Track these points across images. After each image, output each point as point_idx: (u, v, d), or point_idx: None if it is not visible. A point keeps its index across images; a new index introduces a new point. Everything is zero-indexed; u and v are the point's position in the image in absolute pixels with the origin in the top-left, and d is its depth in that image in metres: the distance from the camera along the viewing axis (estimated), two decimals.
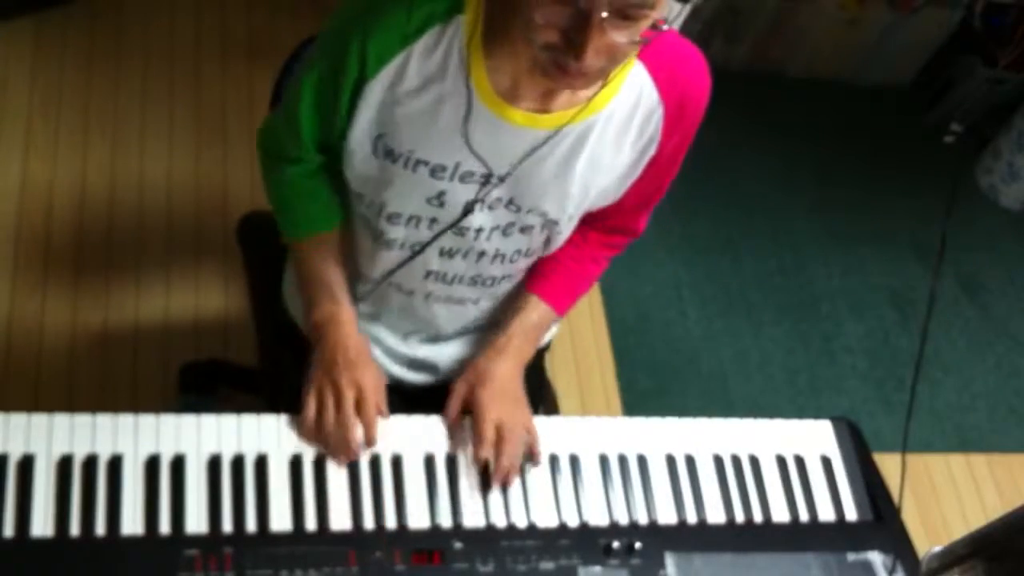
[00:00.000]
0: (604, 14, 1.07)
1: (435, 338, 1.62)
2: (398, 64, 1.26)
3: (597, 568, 1.36)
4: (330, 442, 1.36)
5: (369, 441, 1.38)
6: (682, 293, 2.84)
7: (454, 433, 1.44)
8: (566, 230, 1.46)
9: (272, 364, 1.78)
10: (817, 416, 1.61)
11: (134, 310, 2.41)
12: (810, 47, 3.32)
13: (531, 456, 1.43)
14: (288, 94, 1.41)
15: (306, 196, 1.47)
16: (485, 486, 1.40)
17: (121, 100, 2.71)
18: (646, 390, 2.63)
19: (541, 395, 1.87)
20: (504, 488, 1.40)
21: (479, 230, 1.40)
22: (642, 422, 1.53)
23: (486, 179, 1.34)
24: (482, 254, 1.45)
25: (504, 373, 1.47)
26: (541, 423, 1.48)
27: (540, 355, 1.78)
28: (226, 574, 1.24)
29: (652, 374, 2.67)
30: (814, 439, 1.59)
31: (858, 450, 1.59)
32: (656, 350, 2.71)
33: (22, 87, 2.66)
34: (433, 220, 1.39)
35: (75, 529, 1.23)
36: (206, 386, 2.27)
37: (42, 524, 1.23)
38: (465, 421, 1.45)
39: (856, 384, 2.84)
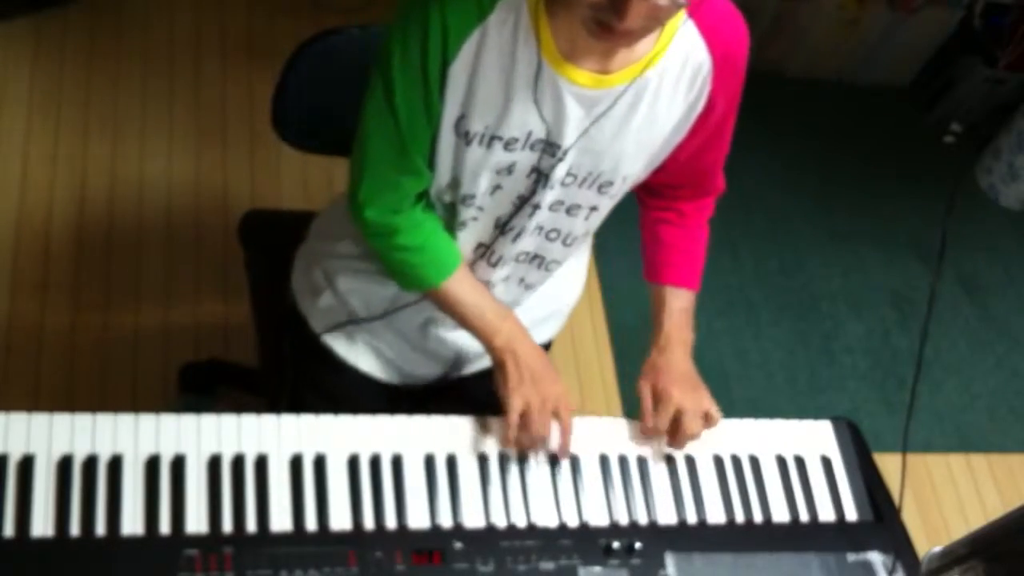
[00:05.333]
0: None
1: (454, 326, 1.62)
2: (476, 39, 1.27)
3: (597, 568, 1.36)
4: (534, 444, 1.44)
5: (566, 442, 1.45)
6: None
7: (455, 433, 1.44)
8: (609, 204, 1.49)
9: (274, 362, 1.78)
10: (817, 416, 1.61)
11: (134, 310, 2.41)
12: (810, 47, 3.32)
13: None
14: (374, 132, 1.36)
15: (435, 233, 1.46)
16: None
17: (121, 100, 2.71)
18: None
19: None
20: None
21: (537, 206, 1.43)
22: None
23: (552, 148, 1.36)
24: (529, 230, 1.48)
25: (676, 362, 1.54)
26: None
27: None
28: (226, 574, 1.24)
29: None
30: (814, 439, 1.59)
31: (858, 450, 1.59)
32: None
33: (22, 87, 2.66)
34: (497, 187, 1.41)
35: (75, 529, 1.23)
36: (206, 386, 2.27)
37: (42, 524, 1.23)
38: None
39: (856, 384, 2.83)
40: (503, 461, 1.42)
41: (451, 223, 1.47)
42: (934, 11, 3.25)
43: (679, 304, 1.59)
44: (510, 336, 1.47)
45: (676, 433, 1.49)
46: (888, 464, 1.59)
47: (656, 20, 1.19)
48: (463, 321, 1.49)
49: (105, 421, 1.31)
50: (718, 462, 1.51)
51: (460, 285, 1.47)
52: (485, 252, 1.50)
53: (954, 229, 3.14)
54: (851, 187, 3.24)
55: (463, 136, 1.34)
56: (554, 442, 1.46)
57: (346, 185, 1.44)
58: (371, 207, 1.41)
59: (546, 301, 1.67)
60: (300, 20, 2.93)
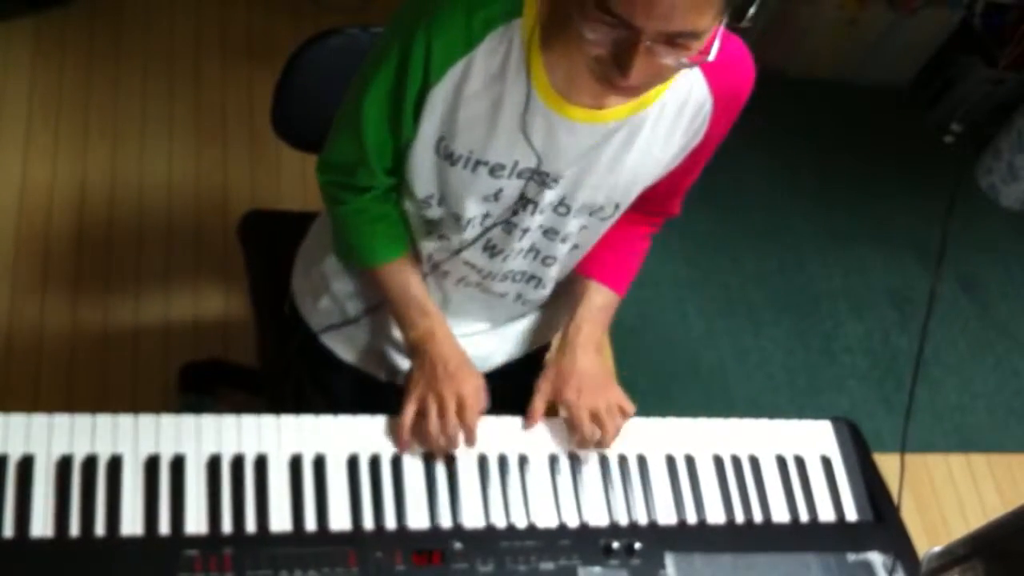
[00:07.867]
0: (649, 42, 1.11)
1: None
2: (462, 67, 1.27)
3: (597, 568, 1.36)
4: (432, 446, 1.39)
5: (469, 441, 1.41)
6: (682, 293, 2.84)
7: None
8: (603, 227, 1.49)
9: (274, 362, 1.78)
10: (817, 416, 1.61)
11: (134, 310, 2.41)
12: (810, 47, 3.32)
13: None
14: (345, 120, 1.40)
15: (379, 221, 1.47)
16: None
17: (121, 100, 2.71)
18: (646, 390, 2.62)
19: None
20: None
21: (526, 230, 1.43)
22: (642, 422, 1.53)
23: (541, 177, 1.36)
24: (519, 251, 1.48)
25: (583, 364, 1.50)
26: (540, 424, 1.48)
27: (543, 356, 1.78)
28: (226, 574, 1.24)
29: (652, 374, 2.67)
30: (814, 439, 1.59)
31: (858, 450, 1.59)
32: (656, 350, 2.71)
33: (22, 87, 2.66)
34: (486, 215, 1.41)
35: (75, 529, 1.23)
36: (206, 386, 2.27)
37: (42, 524, 1.23)
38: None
39: (856, 384, 2.84)
40: (503, 461, 1.42)
41: (446, 245, 1.47)
42: (934, 11, 3.25)
43: (599, 301, 1.55)
44: (424, 333, 1.45)
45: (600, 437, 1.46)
46: (888, 464, 1.59)
47: (660, 77, 1.20)
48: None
49: (105, 421, 1.31)
50: (718, 462, 1.51)
51: (390, 277, 1.48)
52: (474, 269, 1.51)
53: (954, 229, 3.13)
54: (851, 187, 3.24)
55: (447, 157, 1.35)
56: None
57: None
58: (325, 174, 1.47)
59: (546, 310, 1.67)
60: (300, 20, 2.93)
